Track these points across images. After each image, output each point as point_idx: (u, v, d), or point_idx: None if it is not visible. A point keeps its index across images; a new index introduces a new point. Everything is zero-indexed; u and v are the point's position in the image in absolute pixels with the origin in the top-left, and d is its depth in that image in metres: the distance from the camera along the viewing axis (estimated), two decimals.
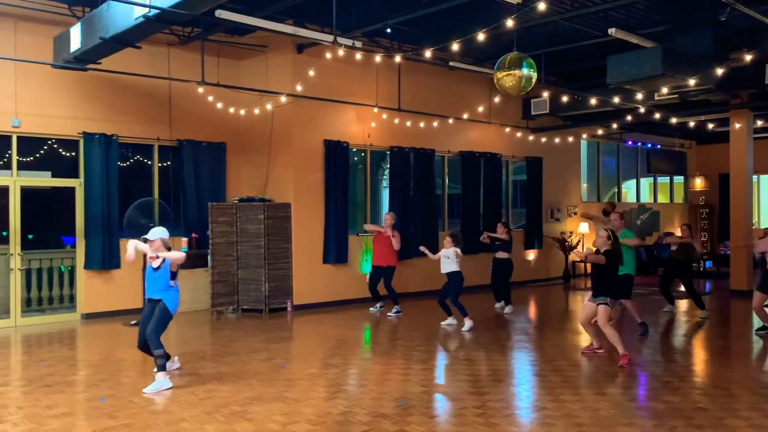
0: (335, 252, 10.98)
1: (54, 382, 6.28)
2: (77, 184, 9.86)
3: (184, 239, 10.62)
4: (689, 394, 5.81)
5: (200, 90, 9.65)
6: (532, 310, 10.91)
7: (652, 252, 15.99)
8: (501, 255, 10.65)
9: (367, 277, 11.47)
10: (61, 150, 9.95)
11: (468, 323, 9.02)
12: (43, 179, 10.10)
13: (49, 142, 9.81)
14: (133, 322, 9.41)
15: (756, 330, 8.81)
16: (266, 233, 10.32)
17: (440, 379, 6.54)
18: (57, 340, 8.59)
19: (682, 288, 10.81)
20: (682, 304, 10.96)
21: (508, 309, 10.67)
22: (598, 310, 7.12)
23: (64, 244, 10.31)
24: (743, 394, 5.90)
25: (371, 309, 10.68)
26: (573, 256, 6.49)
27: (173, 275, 6.25)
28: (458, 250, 9.17)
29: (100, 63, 8.59)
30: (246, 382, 6.27)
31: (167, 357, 6.23)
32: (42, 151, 9.80)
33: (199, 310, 10.56)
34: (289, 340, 8.63)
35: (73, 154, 9.96)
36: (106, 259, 9.89)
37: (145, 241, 6.33)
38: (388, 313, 10.29)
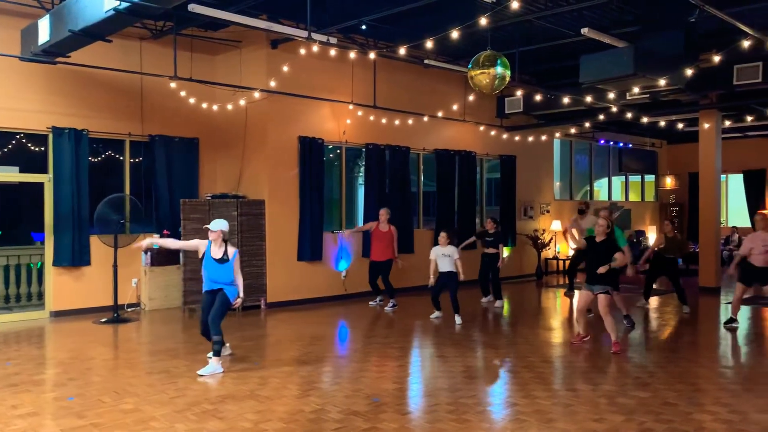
0: (310, 249, 10.94)
1: (20, 381, 6.16)
2: (46, 179, 9.67)
3: (156, 236, 10.49)
4: (658, 390, 5.90)
5: (173, 85, 9.53)
6: (506, 307, 10.98)
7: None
8: (491, 250, 10.88)
9: (342, 274, 11.51)
10: (29, 145, 9.75)
11: (459, 319, 9.34)
12: (10, 174, 9.86)
13: (17, 137, 9.61)
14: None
15: (724, 323, 9.03)
16: (240, 230, 10.23)
17: (415, 376, 6.56)
18: (25, 338, 8.42)
19: (656, 285, 10.99)
20: (653, 301, 11.12)
21: (498, 303, 10.96)
22: (600, 299, 7.50)
23: (34, 240, 10.12)
24: (710, 389, 6.01)
25: (371, 303, 10.93)
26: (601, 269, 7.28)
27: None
28: (457, 250, 9.44)
29: (69, 56, 8.43)
30: (218, 380, 6.21)
31: (223, 343, 6.61)
32: (10, 146, 9.59)
33: (171, 307, 10.45)
34: (263, 337, 8.57)
35: (42, 149, 9.76)
36: (76, 255, 9.73)
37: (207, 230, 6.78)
38: (385, 308, 10.53)
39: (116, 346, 8.04)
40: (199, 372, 6.34)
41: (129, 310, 10.20)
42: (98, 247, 9.82)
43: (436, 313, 9.64)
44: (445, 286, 9.47)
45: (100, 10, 6.87)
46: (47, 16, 7.93)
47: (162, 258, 10.45)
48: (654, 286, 10.87)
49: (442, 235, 9.47)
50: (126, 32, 9.15)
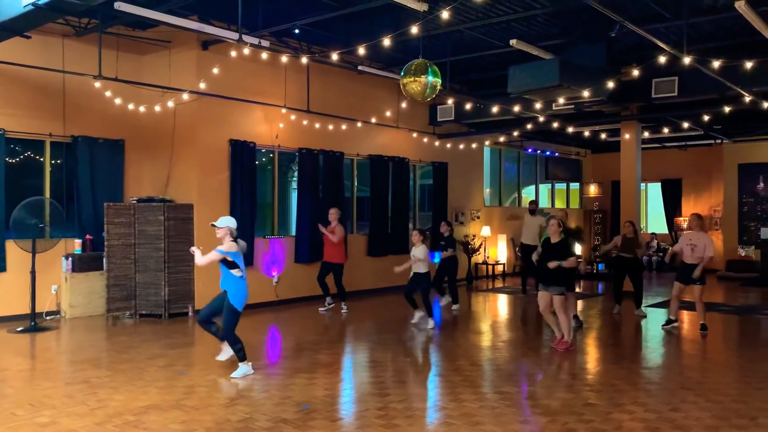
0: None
1: None
2: None
3: (78, 241, 10.09)
4: (580, 391, 6.10)
5: (97, 84, 9.21)
6: (437, 312, 11.11)
7: None
8: (445, 253, 11.05)
9: (274, 280, 11.38)
10: None
11: (431, 322, 9.35)
12: None
13: None
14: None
15: (663, 325, 9.45)
16: (167, 235, 9.96)
17: (345, 382, 6.55)
18: None
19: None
20: (579, 304, 11.47)
21: (455, 307, 11.14)
22: (555, 299, 7.77)
23: None
24: (628, 389, 6.26)
25: (320, 309, 10.71)
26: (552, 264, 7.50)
27: (231, 265, 6.56)
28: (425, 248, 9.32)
29: None
30: (142, 390, 6.02)
31: (243, 347, 6.58)
32: None
33: (94, 315, 10.06)
34: (190, 345, 8.36)
35: None
36: None
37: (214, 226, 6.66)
38: (342, 310, 10.61)
39: (33, 355, 7.67)
40: (232, 375, 6.46)
41: (48, 318, 9.75)
42: (15, 252, 9.36)
43: (417, 314, 9.55)
44: (417, 286, 9.39)
45: (18, 5, 6.58)
46: None
47: (84, 263, 10.05)
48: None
49: (415, 234, 9.37)
50: (47, 28, 8.79)
